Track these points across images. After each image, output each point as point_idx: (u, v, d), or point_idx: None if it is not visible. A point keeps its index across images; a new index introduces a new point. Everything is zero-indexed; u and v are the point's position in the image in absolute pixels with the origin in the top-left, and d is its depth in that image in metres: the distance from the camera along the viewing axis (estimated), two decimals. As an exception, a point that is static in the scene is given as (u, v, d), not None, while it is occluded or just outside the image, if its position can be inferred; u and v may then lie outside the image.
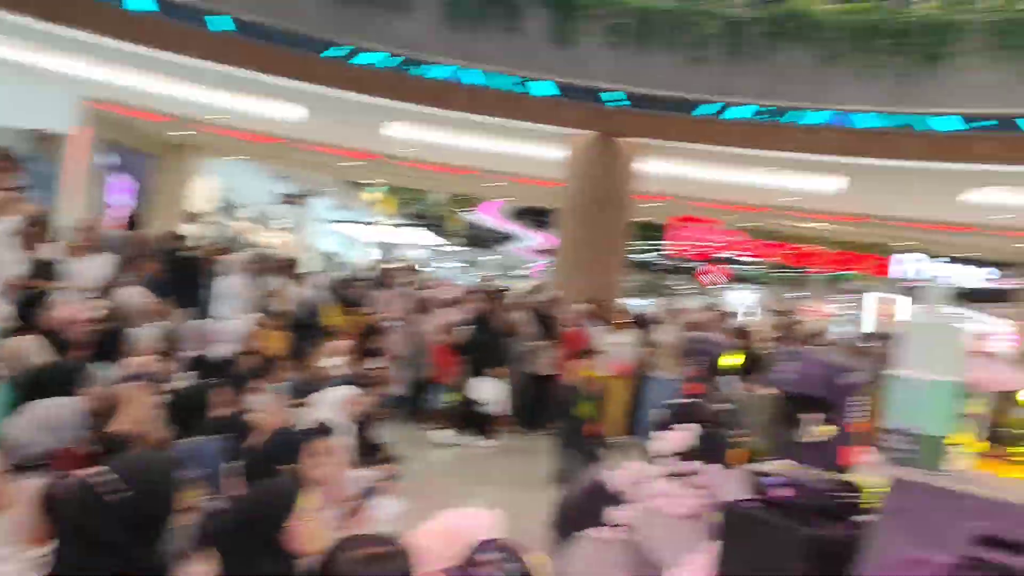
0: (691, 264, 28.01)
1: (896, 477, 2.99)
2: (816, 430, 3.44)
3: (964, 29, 10.77)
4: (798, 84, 11.45)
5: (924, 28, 10.97)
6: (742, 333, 10.40)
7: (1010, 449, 7.71)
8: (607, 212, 12.34)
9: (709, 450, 5.03)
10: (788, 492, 3.24)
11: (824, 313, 30.59)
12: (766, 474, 3.37)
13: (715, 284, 28.12)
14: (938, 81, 10.91)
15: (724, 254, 18.96)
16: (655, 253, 27.36)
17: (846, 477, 3.43)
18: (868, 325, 23.49)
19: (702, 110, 11.72)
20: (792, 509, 3.21)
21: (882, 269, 19.52)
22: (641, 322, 11.19)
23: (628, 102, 11.76)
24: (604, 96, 11.78)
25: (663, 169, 13.86)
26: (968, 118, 10.71)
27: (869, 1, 11.57)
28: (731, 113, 11.65)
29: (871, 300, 25.98)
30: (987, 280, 18.26)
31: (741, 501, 3.38)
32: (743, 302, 35.21)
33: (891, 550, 2.89)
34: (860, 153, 11.33)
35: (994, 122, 10.59)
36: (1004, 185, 12.55)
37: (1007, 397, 8.48)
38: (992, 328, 30.38)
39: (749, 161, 12.82)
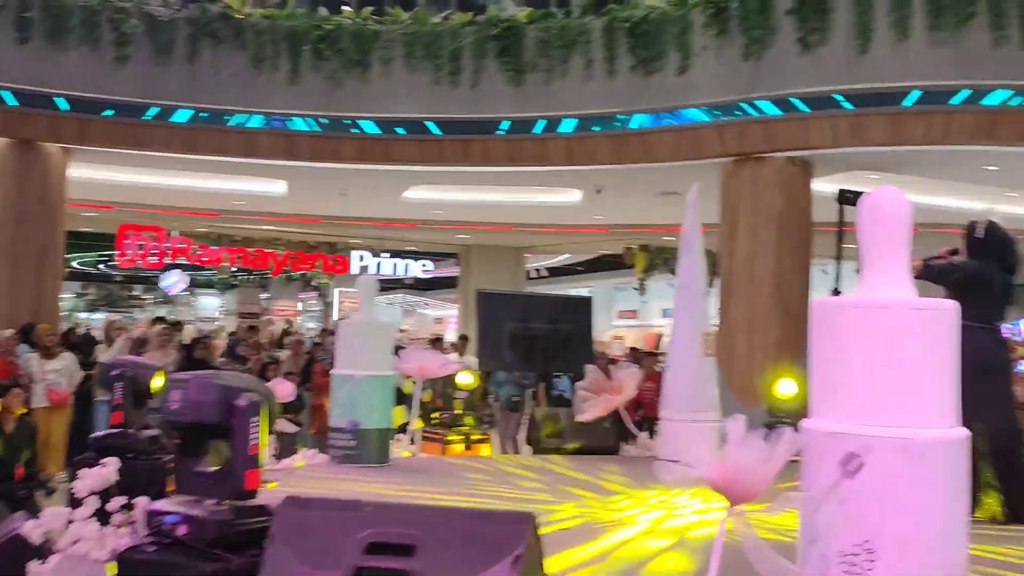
0: (151, 273, 26.79)
1: (289, 496, 2.93)
2: (215, 458, 3.31)
3: (385, 38, 11.41)
4: (230, 88, 11.32)
5: (350, 36, 11.44)
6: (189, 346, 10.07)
7: (452, 431, 8.27)
8: (29, 225, 11.13)
9: (135, 484, 4.71)
10: (184, 529, 3.07)
11: (294, 312, 31.12)
12: (165, 512, 3.16)
13: (179, 292, 27.18)
14: (365, 87, 11.45)
15: (180, 260, 18.33)
16: (106, 264, 25.69)
17: (255, 502, 3.35)
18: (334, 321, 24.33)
19: (132, 113, 11.12)
20: (191, 546, 3.04)
21: (344, 266, 20.29)
22: (85, 342, 10.35)
23: (64, 106, 10.78)
24: (7, 97, 10.67)
25: (101, 175, 12.98)
26: (387, 123, 11.40)
27: (299, 8, 11.78)
28: (163, 116, 11.20)
29: (338, 296, 26.97)
30: (423, 271, 19.76)
31: (138, 546, 3.14)
32: (210, 308, 34.57)
33: (282, 573, 2.83)
34: (296, 157, 11.51)
35: (411, 127, 11.38)
36: (432, 184, 13.63)
37: (446, 382, 9.06)
38: (441, 314, 33.25)
39: (190, 166, 12.46)
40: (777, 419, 8.57)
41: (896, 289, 2.71)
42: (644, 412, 11.43)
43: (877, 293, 2.71)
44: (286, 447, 8.78)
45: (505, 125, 11.35)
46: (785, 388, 8.30)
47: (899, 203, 2.80)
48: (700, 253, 8.55)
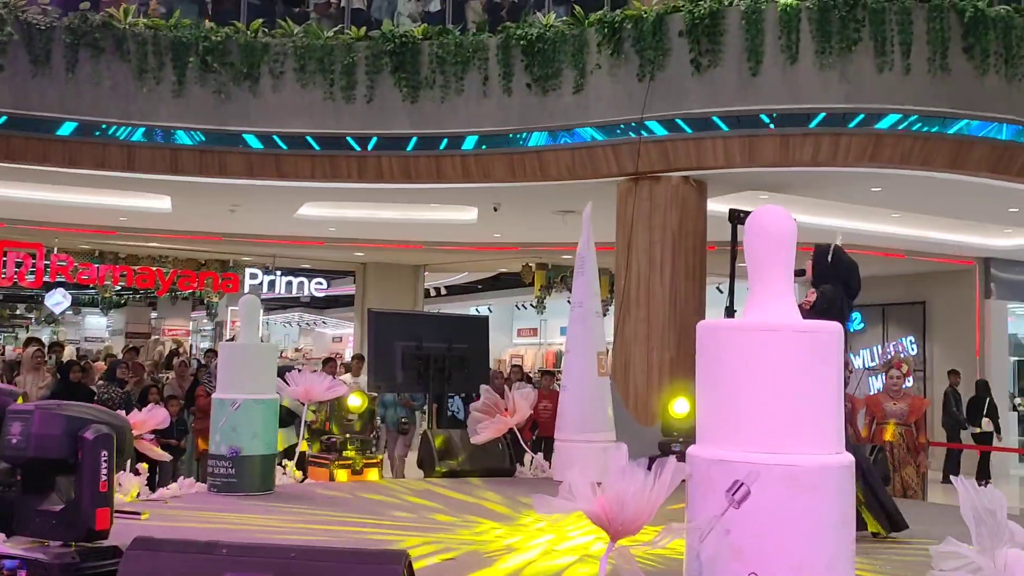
0: (34, 292, 25.77)
1: (138, 537, 2.69)
2: (60, 496, 3.03)
3: (275, 51, 11.12)
4: (112, 100, 10.86)
5: (239, 48, 11.10)
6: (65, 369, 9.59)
7: (340, 456, 7.98)
8: None
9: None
10: (24, 575, 2.79)
11: (185, 332, 30.26)
12: (4, 556, 2.88)
13: (63, 311, 26.15)
14: (255, 100, 11.13)
15: (60, 279, 17.55)
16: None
17: (106, 543, 3.07)
18: (228, 340, 23.64)
19: (7, 125, 10.58)
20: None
21: (235, 284, 19.71)
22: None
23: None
24: None
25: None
26: (278, 137, 11.10)
27: (186, 19, 11.38)
28: (40, 129, 10.68)
29: (229, 315, 26.24)
30: (317, 289, 19.39)
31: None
32: (98, 328, 33.41)
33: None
34: (180, 171, 11.11)
35: (304, 142, 11.11)
36: (326, 200, 13.34)
37: (336, 404, 8.76)
38: (339, 332, 32.72)
39: (70, 180, 11.94)
40: (671, 439, 8.57)
41: (781, 311, 2.63)
42: (540, 432, 11.35)
43: (762, 315, 2.62)
44: (165, 475, 8.39)
45: (400, 141, 11.16)
46: (679, 407, 8.29)
47: (783, 222, 2.72)
48: (594, 271, 8.51)
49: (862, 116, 9.33)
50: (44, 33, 10.66)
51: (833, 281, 6.24)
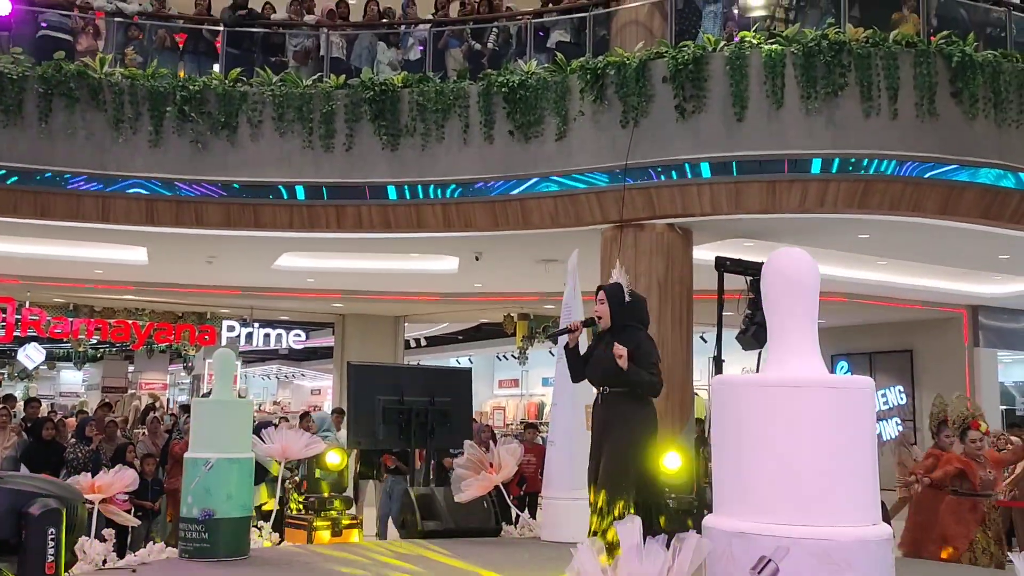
0: (5, 347, 25.29)
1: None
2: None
3: (253, 100, 10.94)
4: (86, 150, 10.64)
5: (217, 97, 10.93)
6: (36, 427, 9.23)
7: (319, 516, 7.65)
8: None
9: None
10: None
11: (162, 385, 29.75)
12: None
13: (36, 366, 25.63)
14: (232, 150, 10.93)
15: (32, 333, 17.18)
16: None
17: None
18: (204, 394, 23.20)
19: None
20: None
21: (212, 337, 19.37)
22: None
23: None
24: None
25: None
26: (256, 187, 10.89)
27: (163, 68, 11.19)
28: (11, 180, 10.44)
29: (207, 368, 25.80)
30: (296, 341, 19.10)
31: None
32: (73, 382, 32.84)
33: None
34: (157, 223, 10.86)
35: (283, 191, 10.90)
36: (304, 251, 13.10)
37: (313, 462, 8.43)
38: (318, 385, 32.30)
39: (43, 232, 11.66)
40: (663, 496, 8.29)
41: (806, 365, 2.40)
42: (527, 487, 11.04)
43: (785, 370, 2.39)
44: (138, 538, 8.03)
45: (380, 190, 10.97)
46: (671, 462, 8.02)
47: (803, 267, 2.50)
48: (580, 318, 8.28)
49: (851, 161, 9.22)
50: (16, 82, 10.45)
51: (633, 324, 5.84)
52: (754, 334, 10.41)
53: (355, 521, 7.65)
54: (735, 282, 9.94)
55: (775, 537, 2.21)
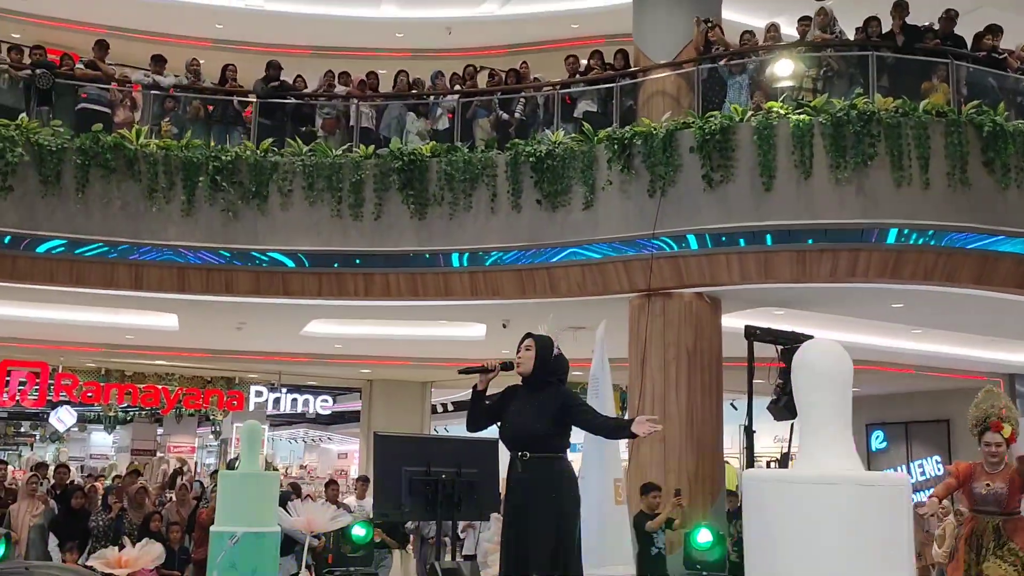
0: (38, 409, 25.47)
1: None
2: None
3: (284, 170, 11.08)
4: (121, 219, 10.78)
5: (248, 167, 11.08)
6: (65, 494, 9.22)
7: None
8: None
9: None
10: None
11: (191, 449, 29.75)
12: None
13: (66, 428, 25.78)
14: (263, 219, 11.04)
15: (63, 397, 17.30)
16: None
17: None
18: (231, 460, 23.17)
19: (14, 245, 10.48)
20: None
21: (240, 402, 19.44)
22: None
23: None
24: None
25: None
26: (285, 255, 10.97)
27: (196, 139, 11.37)
28: (48, 248, 10.58)
29: (234, 433, 25.81)
30: (323, 406, 19.10)
31: None
32: (103, 445, 32.94)
33: None
34: (188, 290, 10.95)
35: (312, 259, 10.98)
36: (332, 318, 13.14)
37: (339, 534, 8.35)
38: (345, 448, 32.19)
39: (76, 299, 11.80)
40: (694, 572, 8.13)
41: (840, 460, 2.34)
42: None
43: (817, 466, 2.33)
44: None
45: (408, 258, 11.02)
46: (702, 538, 7.87)
47: (834, 359, 2.45)
48: (609, 393, 8.22)
49: (882, 231, 9.15)
50: (55, 154, 10.64)
51: (553, 379, 5.41)
52: (786, 404, 10.28)
53: (380, 597, 7.55)
54: (764, 351, 9.87)
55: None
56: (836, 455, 2.33)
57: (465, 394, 24.44)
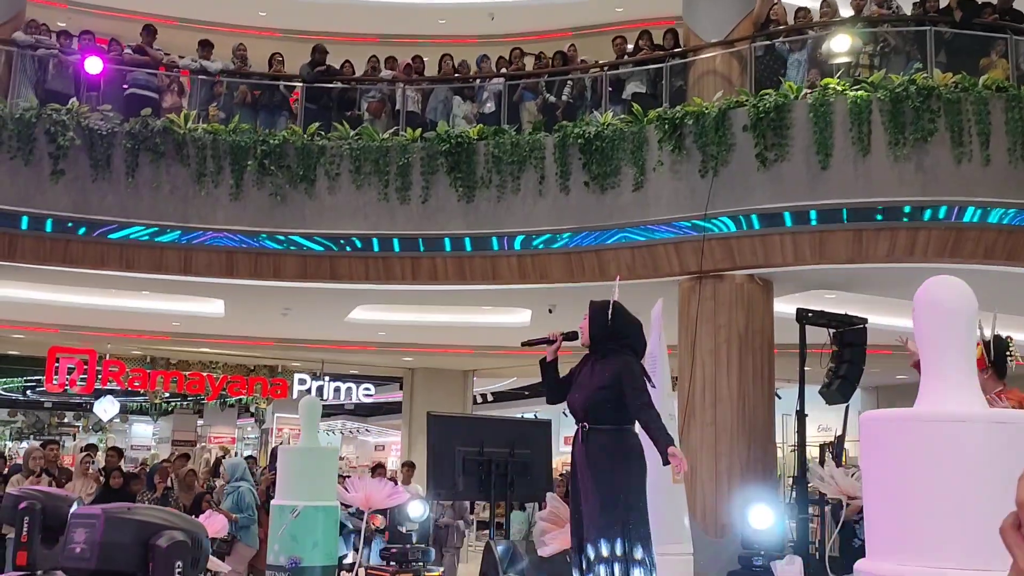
0: (83, 400, 25.75)
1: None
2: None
3: (331, 154, 11.08)
4: (170, 204, 10.83)
5: (296, 151, 11.09)
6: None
7: (402, 568, 7.54)
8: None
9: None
10: None
11: (230, 440, 29.96)
12: None
13: (110, 418, 26.04)
14: (310, 203, 11.05)
15: (111, 385, 17.46)
16: (34, 390, 24.63)
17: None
18: (274, 448, 23.29)
19: (65, 229, 10.57)
20: None
21: (284, 390, 19.52)
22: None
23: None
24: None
25: (30, 295, 12.36)
26: (332, 239, 10.96)
27: (244, 123, 11.39)
28: (98, 232, 10.65)
29: (276, 422, 25.96)
30: (365, 395, 19.13)
31: None
32: (144, 436, 33.27)
33: None
34: (236, 275, 10.98)
35: (359, 243, 10.95)
36: (378, 303, 13.14)
37: (395, 513, 8.30)
38: (382, 440, 32.29)
39: (125, 284, 11.88)
40: (751, 552, 8.03)
41: (966, 399, 2.25)
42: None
43: (944, 404, 2.24)
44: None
45: (455, 242, 10.98)
46: (760, 519, 7.76)
47: (959, 295, 2.36)
48: (666, 372, 8.12)
49: (942, 209, 8.98)
50: (105, 138, 10.72)
51: (616, 345, 5.23)
52: (838, 388, 10.15)
53: (438, 573, 7.52)
54: (815, 335, 9.72)
55: (942, 582, 2.05)
56: (962, 393, 2.24)
57: (504, 384, 24.41)
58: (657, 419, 5.08)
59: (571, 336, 5.45)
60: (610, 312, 5.27)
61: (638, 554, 5.19)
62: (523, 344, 5.75)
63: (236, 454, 28.56)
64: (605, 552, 5.12)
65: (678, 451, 4.93)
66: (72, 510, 4.71)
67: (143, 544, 2.56)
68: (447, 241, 11.00)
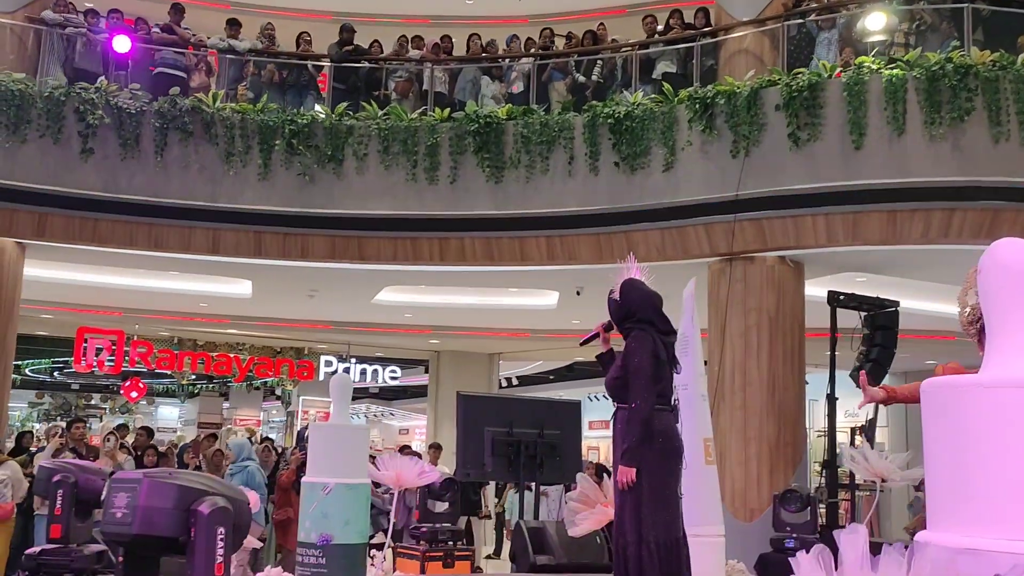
0: (109, 382, 25.96)
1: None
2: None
3: (360, 134, 11.04)
4: (198, 183, 10.84)
5: (324, 131, 11.05)
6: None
7: (432, 546, 7.51)
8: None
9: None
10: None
11: (256, 422, 30.13)
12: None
13: (138, 399, 26.22)
14: (338, 183, 11.02)
15: (140, 366, 17.55)
16: (62, 371, 24.83)
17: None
18: (300, 429, 23.38)
19: (94, 208, 10.60)
20: None
21: (311, 372, 19.56)
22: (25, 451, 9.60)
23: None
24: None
25: (59, 274, 12.41)
26: (361, 220, 10.93)
27: (272, 103, 11.36)
28: (126, 212, 10.67)
29: (301, 405, 26.03)
30: (391, 377, 19.14)
31: None
32: (171, 418, 33.51)
33: None
34: (265, 255, 10.98)
35: (387, 224, 10.93)
36: (405, 284, 13.11)
37: (425, 492, 8.27)
38: (407, 424, 32.37)
39: (153, 264, 11.91)
40: (784, 534, 7.96)
41: (1035, 364, 2.17)
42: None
43: (1015, 370, 2.17)
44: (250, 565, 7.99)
45: (483, 223, 10.92)
46: (789, 501, 7.69)
47: (1026, 257, 2.27)
48: (699, 352, 8.04)
49: (977, 189, 8.82)
50: (134, 117, 10.72)
51: (632, 324, 5.06)
52: (869, 371, 10.03)
53: (468, 552, 7.50)
54: (844, 318, 9.60)
55: (1012, 554, 1.98)
56: (1030, 359, 2.16)
57: (530, 367, 24.24)
58: (638, 414, 4.93)
59: (610, 326, 5.39)
60: (618, 292, 5.16)
61: (651, 536, 5.09)
62: (581, 344, 5.72)
63: (261, 436, 28.73)
64: (629, 536, 5.05)
65: (626, 473, 4.84)
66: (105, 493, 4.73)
67: (185, 509, 2.53)
68: (476, 222, 10.94)
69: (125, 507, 2.57)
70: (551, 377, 25.30)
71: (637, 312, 5.13)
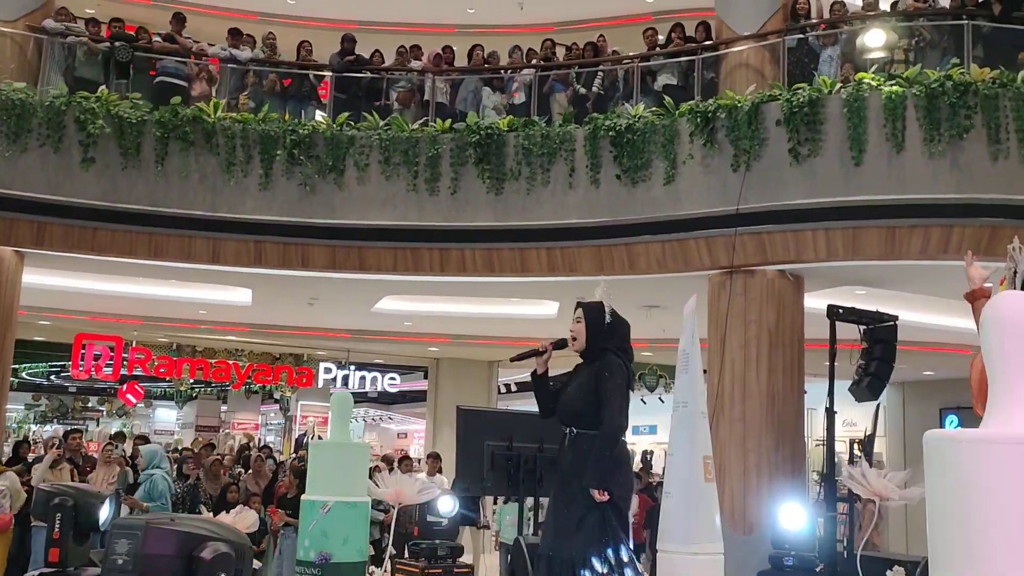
0: (107, 385, 25.95)
1: None
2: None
3: (361, 144, 11.04)
4: (199, 193, 10.84)
5: (325, 141, 11.06)
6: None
7: (431, 563, 7.52)
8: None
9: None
10: None
11: (254, 426, 30.13)
12: None
13: (134, 404, 26.24)
14: (339, 193, 11.02)
15: (137, 371, 17.55)
16: (59, 375, 24.82)
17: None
18: (299, 436, 23.42)
19: (94, 217, 10.60)
20: None
21: (309, 379, 19.58)
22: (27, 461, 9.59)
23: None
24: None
25: (58, 282, 12.41)
26: (361, 230, 10.94)
27: (273, 113, 11.36)
28: (126, 221, 10.67)
29: (300, 410, 26.08)
30: (390, 384, 19.14)
31: None
32: (168, 421, 33.49)
33: None
34: (265, 264, 10.99)
35: (387, 234, 10.93)
36: (406, 294, 13.12)
37: (424, 507, 8.26)
38: (405, 428, 32.35)
39: (153, 273, 11.91)
40: (782, 552, 7.96)
41: (1040, 419, 2.17)
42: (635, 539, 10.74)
43: (1017, 425, 2.17)
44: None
45: (484, 234, 10.93)
46: (791, 517, 7.70)
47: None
48: (699, 369, 8.05)
49: (976, 206, 8.84)
50: (135, 126, 10.72)
51: (611, 349, 5.08)
52: (868, 385, 10.03)
53: (467, 569, 7.50)
54: (843, 332, 9.60)
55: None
56: (1035, 413, 2.17)
57: (529, 374, 24.16)
58: (611, 438, 4.95)
59: (561, 344, 5.29)
60: (607, 314, 5.16)
61: (624, 555, 5.09)
62: (511, 360, 5.63)
63: (259, 440, 28.74)
64: (600, 568, 4.99)
65: (600, 495, 4.84)
66: (103, 517, 4.72)
67: (187, 556, 2.52)
68: (476, 233, 10.94)
69: (126, 554, 2.57)
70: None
71: (618, 337, 5.16)
